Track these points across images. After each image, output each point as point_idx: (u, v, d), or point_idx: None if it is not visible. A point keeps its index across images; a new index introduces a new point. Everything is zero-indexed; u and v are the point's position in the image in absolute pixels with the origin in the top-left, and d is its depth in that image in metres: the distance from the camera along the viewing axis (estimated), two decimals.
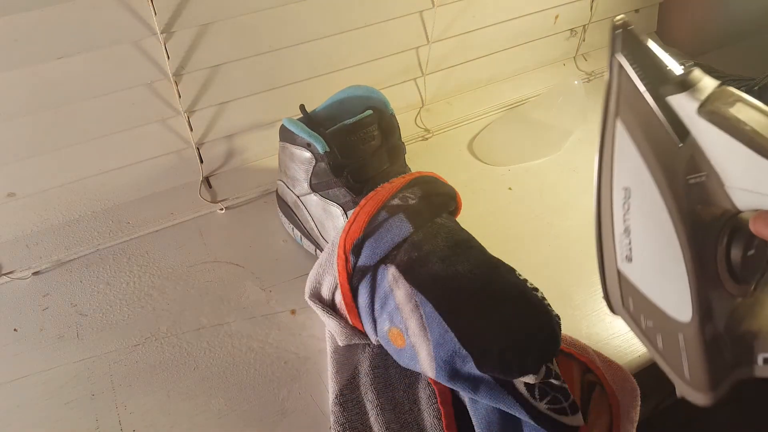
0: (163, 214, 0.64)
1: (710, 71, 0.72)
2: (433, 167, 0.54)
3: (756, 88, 0.62)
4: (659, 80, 0.36)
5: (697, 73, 0.35)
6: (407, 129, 0.75)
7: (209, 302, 0.56)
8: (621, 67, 0.36)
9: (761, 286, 0.41)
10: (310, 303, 0.50)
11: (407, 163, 0.55)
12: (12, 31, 0.48)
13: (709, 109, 0.35)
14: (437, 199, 0.50)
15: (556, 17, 0.79)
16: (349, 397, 0.47)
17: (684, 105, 0.35)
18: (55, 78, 0.52)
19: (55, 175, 0.60)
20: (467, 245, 0.47)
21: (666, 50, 0.36)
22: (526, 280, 0.45)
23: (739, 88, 0.67)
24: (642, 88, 0.36)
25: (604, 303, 0.57)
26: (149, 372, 0.51)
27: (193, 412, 0.48)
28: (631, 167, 0.38)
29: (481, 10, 0.71)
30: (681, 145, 0.36)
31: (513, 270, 0.46)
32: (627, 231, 0.40)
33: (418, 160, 0.71)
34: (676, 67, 0.36)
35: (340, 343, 0.50)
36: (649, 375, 0.53)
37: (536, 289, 0.45)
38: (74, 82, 0.53)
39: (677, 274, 0.38)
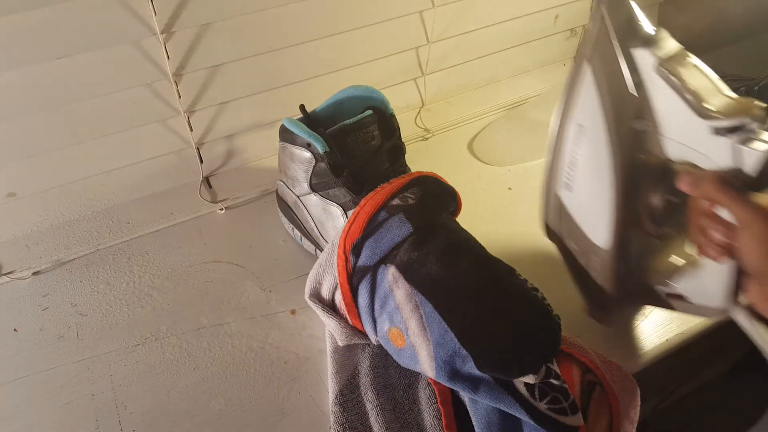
0: (163, 214, 0.64)
1: None
2: (433, 167, 0.54)
3: (756, 88, 0.62)
4: (631, 34, 0.40)
5: (663, 34, 0.40)
6: (407, 129, 0.75)
7: (209, 302, 0.56)
8: (602, 17, 0.40)
9: (675, 231, 0.48)
10: (310, 303, 0.50)
11: (407, 163, 0.55)
12: (12, 31, 0.48)
13: (665, 68, 0.39)
14: (437, 199, 0.50)
15: (556, 17, 0.79)
16: (349, 397, 0.47)
17: (645, 59, 0.40)
18: (55, 78, 0.52)
19: (55, 175, 0.60)
20: (467, 245, 0.47)
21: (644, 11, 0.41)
22: (526, 280, 0.45)
23: (738, 88, 0.68)
24: (614, 37, 0.40)
25: None
26: (149, 372, 0.51)
27: (193, 412, 0.48)
28: (589, 107, 0.43)
29: (481, 10, 0.71)
30: (635, 94, 0.41)
31: (513, 270, 0.46)
32: (573, 163, 0.45)
33: (418, 160, 0.71)
34: (648, 26, 0.40)
35: (340, 343, 0.50)
36: (649, 375, 0.53)
37: (536, 289, 0.45)
38: (74, 82, 0.53)
39: (605, 207, 0.44)
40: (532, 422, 0.41)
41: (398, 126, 0.54)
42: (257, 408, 0.49)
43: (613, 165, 0.43)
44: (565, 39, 0.84)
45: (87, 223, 0.62)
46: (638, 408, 0.48)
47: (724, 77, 0.69)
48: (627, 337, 0.54)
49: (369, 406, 0.47)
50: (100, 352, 0.52)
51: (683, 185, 0.41)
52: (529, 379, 0.41)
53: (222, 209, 0.65)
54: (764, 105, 0.38)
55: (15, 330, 0.53)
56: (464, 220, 0.52)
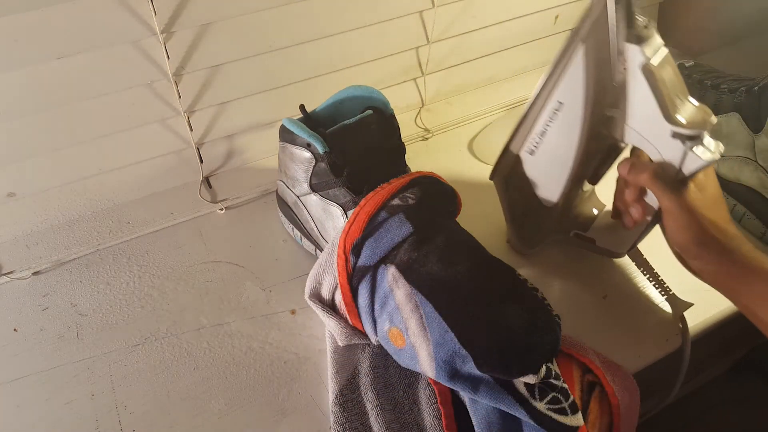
0: (163, 214, 0.64)
1: (710, 71, 0.72)
2: (433, 167, 0.54)
3: (756, 88, 0.62)
4: (627, 27, 0.43)
5: (653, 31, 0.44)
6: (407, 129, 0.75)
7: (209, 302, 0.56)
8: (606, 2, 0.42)
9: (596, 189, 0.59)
10: (310, 303, 0.50)
11: (407, 163, 0.55)
12: (12, 31, 0.48)
13: (650, 69, 0.43)
14: (437, 199, 0.50)
15: (556, 17, 0.79)
16: (349, 397, 0.47)
17: (634, 55, 0.44)
18: (55, 78, 0.52)
19: (55, 175, 0.60)
20: (467, 245, 0.47)
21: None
22: (526, 280, 0.46)
23: (738, 88, 0.68)
24: (613, 26, 0.43)
25: (604, 302, 0.58)
26: (149, 372, 0.51)
27: (193, 412, 0.48)
28: (572, 88, 0.46)
29: (481, 10, 0.71)
30: (616, 85, 0.45)
31: (513, 270, 0.46)
32: (543, 133, 0.50)
33: (418, 160, 0.71)
34: (643, 23, 0.43)
35: (340, 343, 0.50)
36: (649, 375, 0.53)
37: (536, 289, 0.45)
38: (74, 82, 0.53)
39: (562, 175, 0.51)
40: (532, 422, 0.41)
41: (398, 126, 0.54)
42: (257, 408, 0.49)
43: (579, 143, 0.48)
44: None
45: (87, 223, 0.62)
46: (638, 408, 0.48)
47: (723, 77, 0.69)
48: (627, 337, 0.54)
49: (369, 406, 0.47)
50: (100, 352, 0.52)
51: (623, 170, 0.50)
52: (529, 379, 0.41)
53: (222, 209, 0.65)
54: (715, 119, 0.46)
55: (15, 330, 0.53)
56: (464, 220, 0.52)
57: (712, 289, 0.51)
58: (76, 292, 0.56)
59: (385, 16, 0.65)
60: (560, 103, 0.47)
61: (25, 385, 0.50)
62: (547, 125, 0.49)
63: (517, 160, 0.52)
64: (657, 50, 0.44)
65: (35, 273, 0.58)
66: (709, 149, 0.45)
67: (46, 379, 0.50)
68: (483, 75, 0.81)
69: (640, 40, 0.43)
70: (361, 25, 0.64)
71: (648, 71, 0.43)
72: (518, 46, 0.80)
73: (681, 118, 0.44)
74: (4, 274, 0.57)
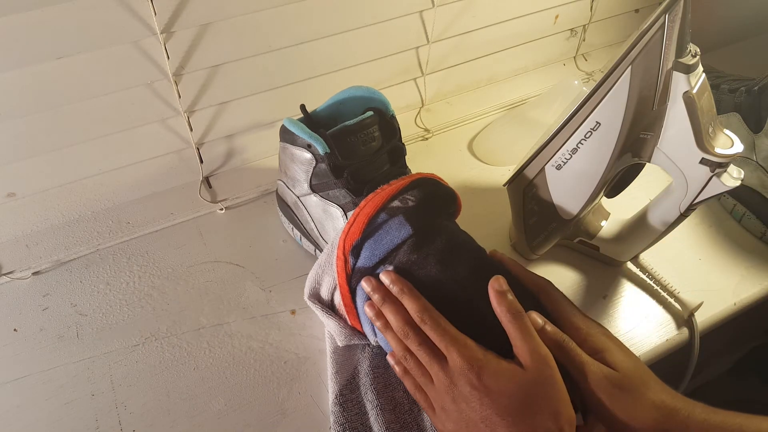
0: (163, 214, 0.64)
1: (710, 71, 0.72)
2: (433, 167, 0.54)
3: (756, 88, 0.62)
4: (678, 55, 0.43)
5: (698, 62, 0.44)
6: (407, 129, 0.75)
7: (209, 302, 0.56)
8: (662, 26, 0.42)
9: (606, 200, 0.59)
10: (310, 303, 0.50)
11: (407, 163, 0.55)
12: (12, 31, 0.48)
13: (692, 97, 0.43)
14: (437, 201, 0.50)
15: (556, 17, 0.79)
16: (349, 397, 0.47)
17: (679, 83, 0.44)
18: (55, 78, 0.52)
19: (55, 175, 0.60)
20: (466, 247, 0.47)
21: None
22: None
23: (738, 88, 0.68)
24: (667, 54, 0.43)
25: (604, 303, 0.58)
26: (149, 372, 0.51)
27: (193, 412, 0.48)
28: (612, 109, 0.46)
29: (481, 10, 0.71)
30: (654, 108, 0.45)
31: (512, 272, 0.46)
32: (574, 150, 0.49)
33: (418, 160, 0.71)
34: (692, 50, 0.43)
35: (340, 344, 0.50)
36: None
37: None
38: (74, 82, 0.53)
39: (585, 190, 0.51)
40: None
41: (399, 127, 0.54)
42: (257, 408, 0.49)
43: (609, 163, 0.48)
44: (565, 39, 0.84)
45: (87, 223, 0.62)
46: None
47: (724, 77, 0.69)
48: (627, 337, 0.54)
49: (369, 406, 0.47)
50: (100, 352, 0.52)
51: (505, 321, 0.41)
52: None
53: (222, 209, 0.65)
54: (743, 148, 0.46)
55: (15, 330, 0.53)
56: (464, 220, 0.52)
57: (714, 289, 0.51)
58: (76, 292, 0.56)
59: (385, 16, 0.65)
60: (598, 123, 0.47)
61: (25, 385, 0.50)
62: (581, 143, 0.48)
63: (541, 173, 0.52)
64: (699, 77, 0.44)
65: (35, 273, 0.58)
66: (732, 176, 0.47)
67: (46, 379, 0.50)
68: (483, 75, 0.81)
69: (687, 69, 0.43)
70: (361, 25, 0.64)
71: (689, 99, 0.43)
72: (518, 46, 0.80)
73: (713, 145, 0.45)
74: (4, 274, 0.57)
